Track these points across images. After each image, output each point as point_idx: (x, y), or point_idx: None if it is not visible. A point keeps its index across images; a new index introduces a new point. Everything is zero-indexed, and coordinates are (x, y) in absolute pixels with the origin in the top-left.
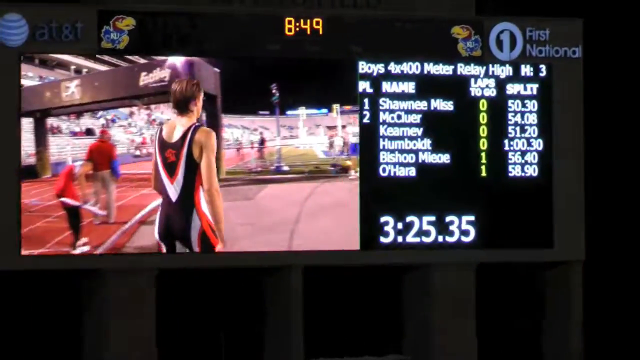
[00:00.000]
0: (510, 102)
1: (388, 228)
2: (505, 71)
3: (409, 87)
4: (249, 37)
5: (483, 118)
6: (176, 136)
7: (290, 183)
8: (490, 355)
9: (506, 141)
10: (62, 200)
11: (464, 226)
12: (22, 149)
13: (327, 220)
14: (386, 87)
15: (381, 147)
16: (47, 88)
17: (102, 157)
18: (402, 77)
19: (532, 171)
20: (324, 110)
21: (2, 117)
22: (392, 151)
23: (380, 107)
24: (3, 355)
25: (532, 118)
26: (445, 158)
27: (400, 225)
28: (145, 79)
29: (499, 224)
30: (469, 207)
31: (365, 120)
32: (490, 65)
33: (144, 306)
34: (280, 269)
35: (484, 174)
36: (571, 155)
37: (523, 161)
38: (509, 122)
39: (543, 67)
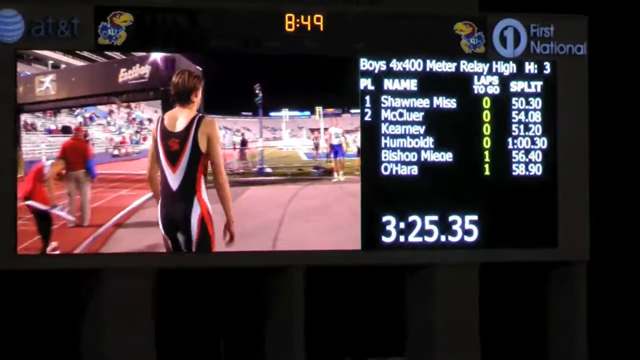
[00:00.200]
0: (514, 99)
1: (390, 227)
2: (509, 68)
3: (411, 84)
4: (248, 34)
5: (486, 116)
6: (180, 126)
7: (274, 185)
8: (494, 356)
9: (510, 139)
10: (28, 203)
11: (467, 226)
12: None
13: (310, 224)
14: (388, 84)
15: (383, 145)
16: (20, 83)
17: (76, 156)
18: (404, 75)
19: (536, 170)
20: (307, 113)
21: None
22: (394, 149)
23: (382, 105)
24: None
25: (537, 116)
26: (447, 156)
27: (402, 225)
28: (124, 75)
29: (503, 224)
30: (472, 206)
31: (367, 118)
32: (494, 63)
33: (143, 307)
34: (281, 270)
35: (487, 172)
36: (576, 153)
37: (527, 160)
38: (513, 120)
39: (547, 65)
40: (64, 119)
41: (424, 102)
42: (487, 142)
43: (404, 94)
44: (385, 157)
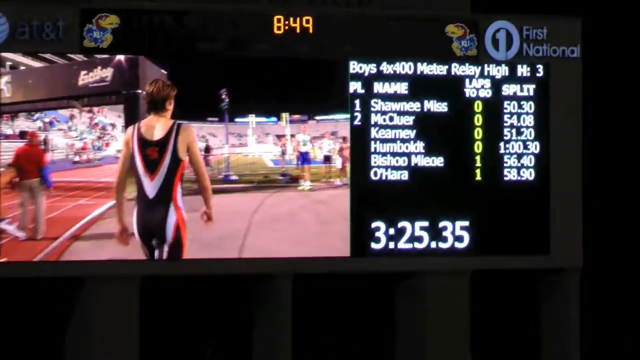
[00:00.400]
0: (506, 103)
1: (379, 234)
2: (501, 71)
3: (402, 87)
4: (237, 36)
5: (478, 120)
6: (158, 135)
7: (240, 193)
8: None
9: (502, 144)
10: None
11: (458, 232)
12: None
13: (277, 234)
14: (378, 87)
15: (372, 149)
16: None
17: (30, 164)
18: (395, 78)
19: (528, 175)
20: (273, 119)
21: None
22: (384, 154)
23: (372, 109)
24: None
25: (529, 120)
26: (438, 161)
27: (392, 231)
28: (85, 78)
29: (494, 230)
30: (463, 212)
31: (356, 122)
32: (486, 65)
33: (127, 316)
34: (267, 277)
35: (478, 177)
36: (569, 158)
37: (519, 164)
38: (505, 124)
39: (540, 67)
40: (21, 123)
41: (414, 106)
42: (478, 147)
43: (395, 97)
44: (374, 162)
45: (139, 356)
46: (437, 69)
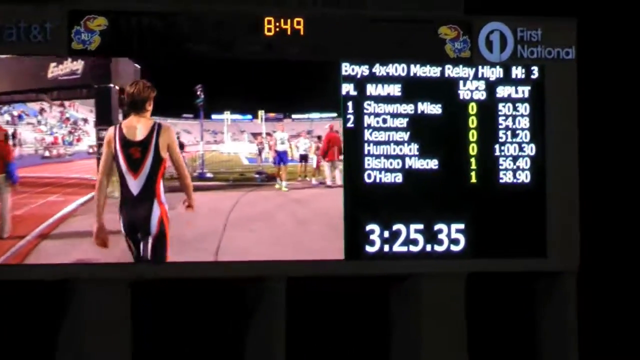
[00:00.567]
0: (500, 105)
1: (374, 237)
2: (495, 73)
3: (395, 89)
4: (226, 38)
5: (472, 122)
6: (140, 135)
7: (215, 191)
8: None
9: (497, 146)
10: None
11: (454, 235)
12: None
13: (254, 234)
14: (371, 89)
15: (366, 152)
16: None
17: None
18: (388, 80)
19: (524, 177)
20: (248, 116)
21: None
22: (378, 157)
23: (365, 111)
24: None
25: (524, 122)
26: (433, 164)
27: (386, 234)
28: (54, 70)
29: (490, 233)
30: (459, 214)
31: (349, 124)
32: (480, 67)
33: (118, 319)
34: (260, 280)
35: (473, 180)
36: (565, 160)
37: (514, 167)
38: (500, 127)
39: (535, 69)
40: None
41: (408, 108)
42: (473, 149)
43: (388, 99)
44: (368, 165)
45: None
46: (430, 71)
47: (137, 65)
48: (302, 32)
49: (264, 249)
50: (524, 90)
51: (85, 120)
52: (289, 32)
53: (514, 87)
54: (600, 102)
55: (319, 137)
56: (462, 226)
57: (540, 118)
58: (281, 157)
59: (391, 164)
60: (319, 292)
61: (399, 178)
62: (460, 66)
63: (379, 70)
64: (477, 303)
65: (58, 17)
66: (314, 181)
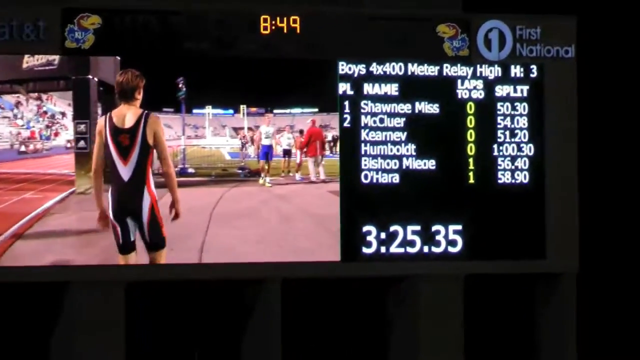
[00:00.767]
0: (499, 104)
1: (371, 238)
2: (494, 72)
3: (392, 89)
4: (222, 36)
5: (470, 122)
6: (128, 123)
7: (197, 187)
8: None
9: (495, 146)
10: None
11: (451, 236)
12: None
13: (239, 232)
14: (368, 89)
15: (363, 152)
16: None
17: None
18: (385, 79)
19: (522, 178)
20: (230, 111)
21: None
22: (375, 157)
23: (362, 110)
24: None
25: (523, 121)
26: (430, 164)
27: (383, 235)
28: (29, 60)
29: (488, 234)
30: (456, 215)
31: (346, 124)
32: (478, 66)
33: (112, 321)
34: (256, 282)
35: (471, 180)
36: (564, 161)
37: (513, 167)
38: (498, 126)
39: (534, 68)
40: None
41: (405, 108)
42: (471, 149)
43: (385, 98)
44: (365, 165)
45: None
46: (428, 70)
47: (118, 57)
48: (298, 31)
49: (248, 247)
50: (523, 90)
51: (64, 114)
52: (285, 31)
53: (512, 86)
54: (600, 101)
55: (301, 132)
56: (459, 227)
57: (539, 117)
58: (266, 152)
59: (388, 164)
60: (315, 293)
61: (396, 179)
62: (459, 65)
63: (376, 69)
64: (475, 305)
65: (51, 15)
66: (298, 177)
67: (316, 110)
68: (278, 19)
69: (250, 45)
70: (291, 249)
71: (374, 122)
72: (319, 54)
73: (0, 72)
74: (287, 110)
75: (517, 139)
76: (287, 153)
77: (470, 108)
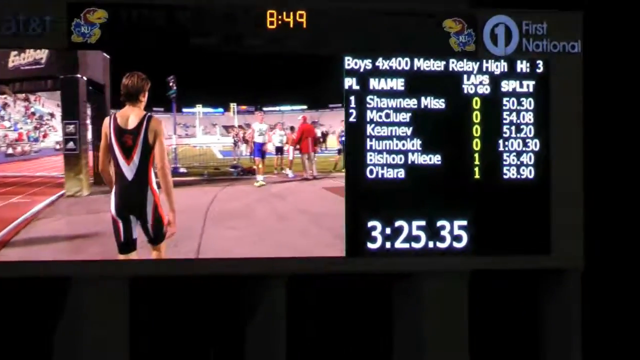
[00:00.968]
0: (505, 100)
1: (376, 233)
2: (500, 67)
3: (398, 84)
4: (229, 31)
5: (476, 117)
6: (132, 124)
7: (190, 187)
8: None
9: (501, 141)
10: None
11: (456, 231)
12: None
13: (235, 232)
14: (374, 84)
15: (368, 147)
16: None
17: None
18: (391, 74)
19: (528, 173)
20: (220, 110)
21: None
22: (380, 152)
23: (368, 105)
24: None
25: (529, 117)
26: (436, 159)
27: (388, 231)
28: (15, 59)
29: (493, 230)
30: (461, 211)
31: (352, 119)
32: (484, 61)
33: (116, 316)
34: (260, 278)
35: (477, 176)
36: (570, 156)
37: (518, 162)
38: (504, 121)
39: (540, 63)
40: None
41: (411, 103)
42: (477, 144)
43: (391, 94)
44: (370, 160)
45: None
46: (434, 65)
47: (106, 55)
48: (304, 25)
49: (246, 248)
50: (529, 85)
51: (52, 115)
52: (291, 25)
53: (518, 82)
54: (606, 96)
55: (292, 128)
56: (464, 223)
57: (545, 113)
58: (259, 150)
59: (393, 159)
60: (320, 289)
61: (401, 174)
62: (465, 60)
63: (382, 64)
64: (480, 301)
65: (57, 9)
66: (291, 174)
67: (305, 107)
68: (284, 13)
69: (256, 41)
70: (289, 249)
71: (380, 117)
72: (325, 49)
73: None
74: (277, 108)
75: (522, 135)
76: (279, 150)
77: (476, 103)
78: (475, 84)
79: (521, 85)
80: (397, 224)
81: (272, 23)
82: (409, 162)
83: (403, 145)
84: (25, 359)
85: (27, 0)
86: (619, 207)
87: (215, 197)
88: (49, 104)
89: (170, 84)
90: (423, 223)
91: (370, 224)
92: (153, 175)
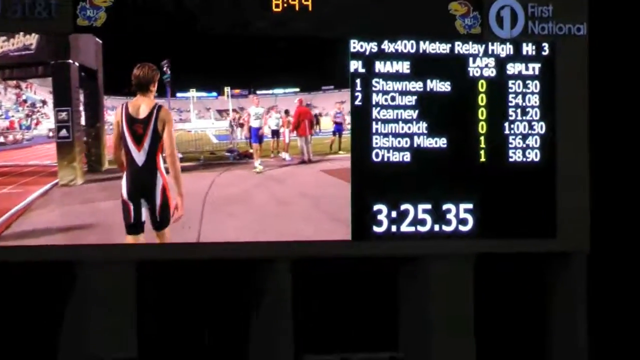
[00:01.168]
0: (510, 82)
1: (381, 217)
2: (505, 50)
3: (404, 66)
4: (236, 14)
5: (482, 100)
6: (142, 113)
7: (188, 173)
8: (490, 350)
9: (506, 124)
10: None
11: (462, 215)
12: None
13: (235, 219)
14: (379, 67)
15: (374, 130)
16: None
17: None
18: (397, 56)
19: (533, 156)
20: (214, 94)
21: None
22: (386, 135)
23: (373, 88)
24: None
25: (534, 100)
26: (441, 142)
27: (394, 214)
28: (4, 45)
29: (499, 213)
30: (467, 194)
31: (357, 102)
32: (490, 44)
33: (123, 300)
34: (266, 261)
35: (483, 159)
36: (575, 139)
37: (524, 145)
38: (510, 104)
39: (546, 46)
40: None
41: (416, 85)
42: (482, 127)
43: (396, 76)
44: (376, 143)
45: (137, 341)
46: (439, 48)
47: (98, 39)
48: (310, 8)
49: (248, 235)
50: (535, 67)
51: (45, 102)
52: (297, 8)
53: (524, 64)
54: (612, 79)
55: (287, 112)
56: (470, 206)
57: (551, 95)
58: (255, 134)
59: (399, 142)
60: (326, 273)
61: (407, 157)
62: (470, 42)
63: (388, 46)
64: (485, 284)
65: None
66: (287, 157)
67: (297, 90)
68: None
69: (262, 24)
70: (292, 235)
71: (385, 100)
72: (331, 32)
73: None
74: (270, 91)
75: (528, 117)
76: (275, 133)
77: (482, 86)
78: (481, 67)
79: (527, 68)
80: (403, 207)
81: (277, 6)
82: (415, 145)
83: (409, 128)
84: (34, 344)
85: None
86: (624, 190)
87: (213, 182)
88: (41, 91)
89: (165, 68)
90: (429, 206)
91: (376, 207)
92: (162, 161)
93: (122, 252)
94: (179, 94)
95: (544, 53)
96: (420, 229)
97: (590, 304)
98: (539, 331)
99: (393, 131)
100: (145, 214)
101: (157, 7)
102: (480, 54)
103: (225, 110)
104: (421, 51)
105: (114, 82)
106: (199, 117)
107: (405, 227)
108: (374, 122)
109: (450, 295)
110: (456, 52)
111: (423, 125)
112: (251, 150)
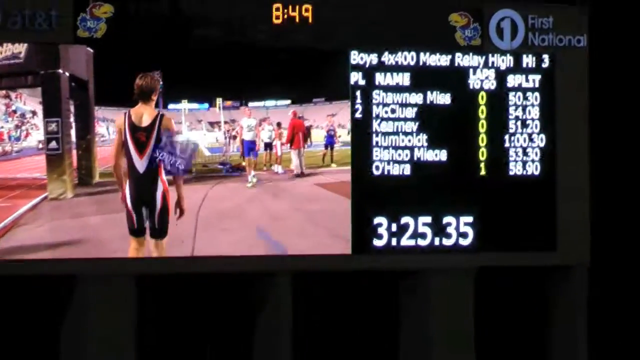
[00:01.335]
0: (511, 95)
1: (382, 230)
2: (505, 62)
3: (404, 78)
4: (235, 25)
5: (482, 112)
6: (145, 121)
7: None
8: None
9: (507, 137)
10: None
11: (462, 228)
12: None
13: (229, 234)
14: (379, 79)
15: (374, 143)
16: None
17: None
18: (397, 68)
19: (534, 169)
20: (205, 105)
21: None
22: (386, 148)
23: (373, 101)
24: None
25: (535, 112)
26: (442, 155)
27: (394, 227)
28: None
29: (499, 226)
30: (467, 207)
31: (357, 114)
32: (490, 56)
33: (123, 314)
34: (266, 275)
35: (483, 172)
36: (576, 152)
37: (524, 158)
38: (510, 117)
39: (546, 57)
40: None
41: (417, 98)
42: (482, 140)
43: (396, 88)
44: (376, 156)
45: (135, 357)
46: (440, 60)
47: (89, 49)
48: (310, 20)
49: (243, 251)
50: (535, 80)
51: (34, 113)
52: (297, 20)
53: (524, 76)
54: (612, 91)
55: (279, 124)
56: (470, 219)
57: (551, 108)
58: (249, 147)
59: (399, 155)
60: (326, 287)
61: (407, 170)
62: (471, 54)
63: (388, 58)
64: (486, 298)
65: (63, 4)
66: (280, 170)
67: (289, 102)
68: (290, 7)
69: (262, 35)
70: (288, 250)
71: (386, 112)
72: (331, 44)
73: None
74: (262, 103)
75: (528, 130)
76: (268, 146)
77: (482, 98)
78: (481, 79)
79: (527, 80)
80: (403, 220)
81: (277, 17)
82: (415, 158)
83: (409, 140)
84: (34, 358)
85: None
86: (625, 202)
87: (205, 196)
88: (30, 102)
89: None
90: (429, 220)
91: (376, 220)
92: (162, 169)
93: (119, 266)
94: (170, 106)
95: (544, 65)
96: (421, 242)
97: (591, 316)
98: (539, 345)
99: (393, 144)
100: (146, 220)
101: (158, 18)
102: (481, 66)
103: (217, 123)
104: (421, 63)
105: (104, 91)
106: (190, 129)
107: (405, 241)
108: (374, 135)
109: (450, 309)
110: (456, 64)
111: (423, 138)
112: (244, 163)
